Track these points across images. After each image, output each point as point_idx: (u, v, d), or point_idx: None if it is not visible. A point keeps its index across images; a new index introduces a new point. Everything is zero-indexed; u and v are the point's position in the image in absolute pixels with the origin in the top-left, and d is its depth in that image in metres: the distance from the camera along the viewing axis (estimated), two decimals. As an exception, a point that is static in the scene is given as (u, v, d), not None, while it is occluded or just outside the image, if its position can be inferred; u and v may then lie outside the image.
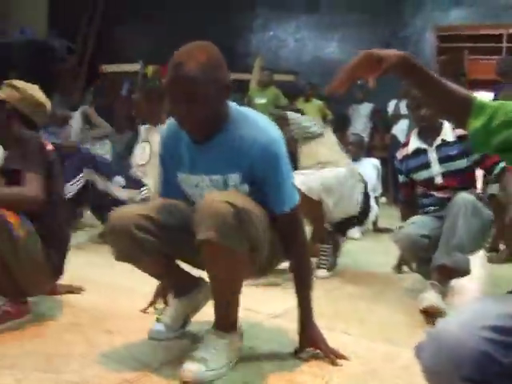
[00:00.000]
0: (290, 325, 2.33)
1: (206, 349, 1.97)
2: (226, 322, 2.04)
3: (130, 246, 2.05)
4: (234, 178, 2.04)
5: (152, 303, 2.57)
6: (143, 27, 10.89)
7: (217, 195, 1.91)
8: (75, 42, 11.58)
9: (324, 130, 3.95)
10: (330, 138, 3.99)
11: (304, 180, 3.44)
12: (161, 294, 2.51)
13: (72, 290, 2.90)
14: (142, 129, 4.59)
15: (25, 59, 10.84)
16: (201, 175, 2.10)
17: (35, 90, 2.73)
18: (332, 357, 2.13)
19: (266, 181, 2.03)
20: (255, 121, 2.06)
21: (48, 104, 2.77)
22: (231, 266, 1.92)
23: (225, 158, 2.03)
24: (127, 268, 2.20)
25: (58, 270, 2.56)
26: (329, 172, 3.62)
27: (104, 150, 5.45)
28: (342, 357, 2.16)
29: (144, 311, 2.58)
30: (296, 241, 2.14)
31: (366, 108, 8.38)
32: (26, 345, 2.19)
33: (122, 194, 4.18)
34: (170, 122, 2.21)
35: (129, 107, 6.08)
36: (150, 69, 9.95)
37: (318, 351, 2.16)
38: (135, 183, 4.29)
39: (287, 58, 10.35)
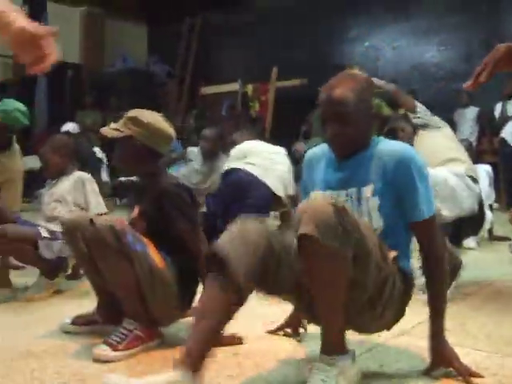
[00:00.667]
0: (419, 342, 2.28)
1: (315, 381, 1.87)
2: (332, 343, 1.94)
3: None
4: (367, 189, 2.08)
5: (282, 327, 2.60)
6: (240, 47, 11.08)
7: (320, 195, 1.90)
8: (174, 66, 11.94)
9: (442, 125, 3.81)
10: (449, 133, 3.86)
11: None
12: (294, 319, 2.55)
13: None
14: None
15: (127, 85, 11.30)
16: (337, 190, 2.13)
17: (160, 122, 2.67)
18: (466, 375, 2.05)
19: (404, 187, 2.06)
20: (390, 141, 2.18)
21: (173, 133, 2.73)
22: (332, 270, 1.80)
23: (361, 172, 2.10)
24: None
25: (187, 305, 2.62)
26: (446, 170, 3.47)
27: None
28: (477, 375, 2.06)
29: (272, 333, 2.60)
30: (432, 250, 2.10)
31: (471, 112, 8.16)
32: (158, 369, 2.20)
33: None
34: (309, 151, 2.37)
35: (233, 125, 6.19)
36: (250, 87, 10.11)
37: (451, 369, 2.08)
38: None
39: (384, 67, 10.22)
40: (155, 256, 2.50)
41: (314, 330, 2.57)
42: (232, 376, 2.11)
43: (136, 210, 2.70)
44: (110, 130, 2.66)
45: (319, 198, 1.84)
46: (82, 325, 2.71)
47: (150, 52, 13.31)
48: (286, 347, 2.47)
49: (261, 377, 2.14)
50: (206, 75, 11.26)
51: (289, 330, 2.60)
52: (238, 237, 1.89)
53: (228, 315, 1.87)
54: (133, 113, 2.68)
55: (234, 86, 10.28)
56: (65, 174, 3.74)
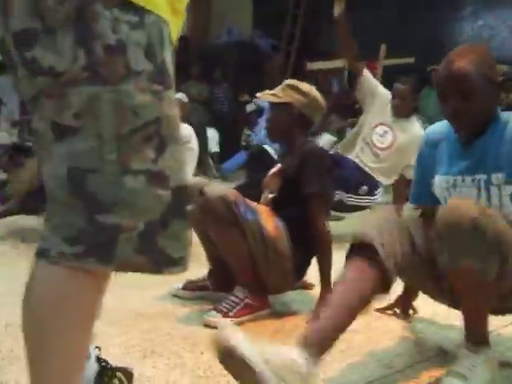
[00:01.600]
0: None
1: (463, 365, 1.86)
2: (477, 334, 1.92)
3: None
4: (499, 177, 1.94)
5: (392, 307, 2.59)
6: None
7: (464, 203, 1.81)
8: (280, 40, 11.93)
9: None
10: None
11: None
12: (405, 300, 2.55)
13: (305, 285, 2.94)
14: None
15: (232, 58, 11.40)
16: (462, 175, 2.02)
17: (316, 92, 2.75)
18: None
19: None
20: None
21: (324, 104, 2.80)
22: (482, 290, 1.80)
23: (490, 157, 1.96)
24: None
25: (302, 272, 2.66)
26: None
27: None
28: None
29: (381, 311, 2.59)
30: None
31: None
32: (266, 339, 2.25)
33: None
34: (429, 129, 2.26)
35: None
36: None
37: None
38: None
39: (499, 47, 9.79)
40: (268, 224, 2.51)
41: (422, 313, 2.57)
42: (343, 351, 2.12)
43: (275, 168, 2.74)
44: (268, 95, 2.74)
45: (464, 215, 1.73)
46: (193, 290, 2.78)
47: (254, 25, 13.34)
48: (394, 327, 2.46)
49: (372, 353, 2.15)
50: (312, 50, 11.18)
51: (397, 310, 2.59)
52: (384, 226, 1.89)
53: (369, 301, 1.83)
54: (291, 81, 2.77)
55: (340, 63, 10.15)
56: None
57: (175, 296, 2.79)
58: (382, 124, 4.22)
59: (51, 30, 0.98)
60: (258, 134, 8.21)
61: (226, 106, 10.20)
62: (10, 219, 4.17)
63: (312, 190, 2.53)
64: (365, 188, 4.04)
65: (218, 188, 2.58)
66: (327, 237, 2.56)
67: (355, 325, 2.36)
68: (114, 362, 1.65)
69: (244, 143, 8.91)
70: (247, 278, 2.52)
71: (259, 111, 8.72)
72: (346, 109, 7.26)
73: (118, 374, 1.62)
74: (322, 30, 11.47)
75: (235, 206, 2.44)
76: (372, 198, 4.09)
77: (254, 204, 2.57)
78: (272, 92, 2.73)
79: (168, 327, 2.36)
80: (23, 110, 7.45)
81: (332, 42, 11.09)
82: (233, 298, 2.49)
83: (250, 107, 9.10)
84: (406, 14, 10.07)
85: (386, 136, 4.18)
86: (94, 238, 1.02)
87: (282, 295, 2.75)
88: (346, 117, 7.40)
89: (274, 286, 2.58)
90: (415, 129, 4.20)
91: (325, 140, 5.34)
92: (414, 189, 2.26)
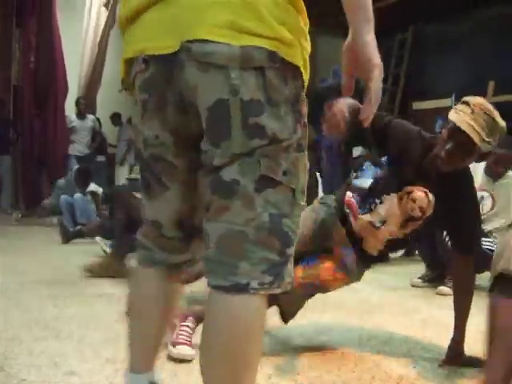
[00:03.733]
0: None
1: None
2: None
3: None
4: None
5: None
6: (453, 60, 10.81)
7: None
8: (385, 81, 11.98)
9: None
10: None
11: None
12: None
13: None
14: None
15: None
16: None
17: None
18: None
19: None
20: None
21: None
22: None
23: None
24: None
25: None
26: None
27: None
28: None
29: None
30: None
31: None
32: None
33: None
34: None
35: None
36: (464, 103, 9.71)
37: None
38: None
39: None
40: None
41: None
42: None
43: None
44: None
45: None
46: None
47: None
48: None
49: None
50: (417, 90, 11.16)
51: None
52: None
53: None
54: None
55: (447, 102, 10.08)
56: None
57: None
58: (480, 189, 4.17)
59: (275, 103, 1.22)
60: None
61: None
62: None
63: None
64: None
65: None
66: None
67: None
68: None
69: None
70: None
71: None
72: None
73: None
74: (427, 69, 11.43)
75: None
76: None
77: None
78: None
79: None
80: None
81: (437, 80, 11.08)
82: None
83: (356, 151, 9.13)
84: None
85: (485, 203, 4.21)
86: (280, 267, 1.26)
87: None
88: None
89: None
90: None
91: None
92: None
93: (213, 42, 1.16)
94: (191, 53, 1.18)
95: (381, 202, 2.48)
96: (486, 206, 4.18)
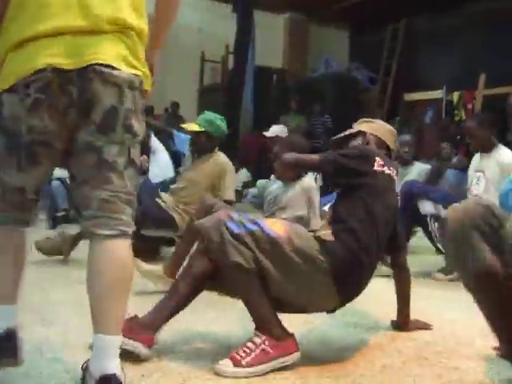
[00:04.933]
0: None
1: None
2: None
3: None
4: None
5: None
6: (445, 53, 10.81)
7: None
8: (377, 72, 11.96)
9: None
10: None
11: None
12: None
13: (421, 326, 2.88)
14: (476, 157, 4.52)
15: (330, 91, 11.48)
16: None
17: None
18: None
19: None
20: None
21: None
22: None
23: None
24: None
25: (348, 293, 2.47)
26: None
27: None
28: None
29: None
30: None
31: None
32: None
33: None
34: None
35: (434, 135, 6.10)
36: (456, 94, 9.83)
37: None
38: None
39: None
40: (274, 226, 2.36)
41: None
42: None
43: None
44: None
45: None
46: None
47: (351, 58, 13.44)
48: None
49: None
50: (409, 82, 11.15)
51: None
52: None
53: None
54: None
55: (438, 94, 10.08)
56: None
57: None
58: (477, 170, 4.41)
59: (137, 112, 1.91)
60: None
61: (324, 139, 10.18)
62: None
63: None
64: None
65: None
66: None
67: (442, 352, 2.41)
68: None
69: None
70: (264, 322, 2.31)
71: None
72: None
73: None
74: (418, 61, 11.44)
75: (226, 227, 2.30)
76: None
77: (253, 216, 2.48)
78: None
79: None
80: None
81: (428, 72, 11.08)
82: (249, 344, 2.27)
83: None
84: (508, 41, 9.80)
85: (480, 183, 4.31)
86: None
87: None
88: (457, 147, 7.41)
89: (312, 301, 2.42)
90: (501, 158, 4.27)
91: (420, 168, 5.31)
92: None
93: (116, 68, 1.80)
94: (100, 72, 1.77)
95: None
96: (480, 187, 4.27)
